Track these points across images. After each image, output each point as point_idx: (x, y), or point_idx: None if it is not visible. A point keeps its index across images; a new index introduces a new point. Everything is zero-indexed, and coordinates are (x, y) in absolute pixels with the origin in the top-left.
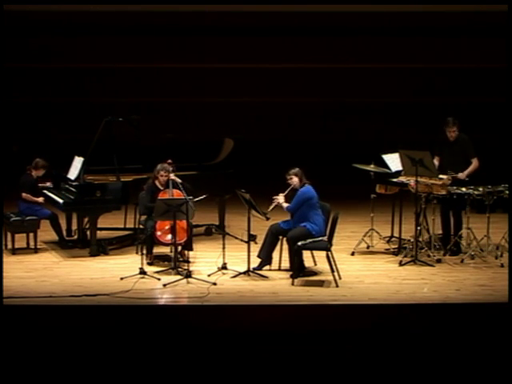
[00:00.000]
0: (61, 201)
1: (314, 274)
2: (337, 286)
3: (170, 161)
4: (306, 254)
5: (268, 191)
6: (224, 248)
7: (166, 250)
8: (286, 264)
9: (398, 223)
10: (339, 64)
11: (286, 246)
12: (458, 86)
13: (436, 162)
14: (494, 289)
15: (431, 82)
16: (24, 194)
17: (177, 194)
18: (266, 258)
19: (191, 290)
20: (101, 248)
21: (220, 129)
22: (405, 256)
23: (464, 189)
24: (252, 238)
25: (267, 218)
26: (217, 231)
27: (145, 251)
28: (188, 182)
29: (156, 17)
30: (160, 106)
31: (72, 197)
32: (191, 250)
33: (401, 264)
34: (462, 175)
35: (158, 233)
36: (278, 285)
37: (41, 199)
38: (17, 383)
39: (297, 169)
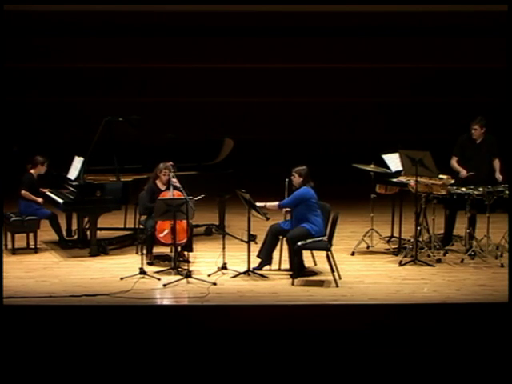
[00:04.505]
0: (61, 201)
1: (314, 274)
2: (337, 286)
3: (171, 163)
4: (306, 254)
5: (268, 191)
6: (224, 248)
7: (166, 249)
8: (286, 264)
9: (398, 223)
10: (339, 64)
11: (285, 246)
12: (458, 86)
13: (454, 162)
14: (494, 289)
15: (431, 82)
16: (23, 192)
17: (177, 194)
18: (265, 257)
19: (191, 289)
20: (101, 248)
21: (220, 129)
22: (405, 256)
23: (464, 189)
24: (252, 237)
25: (267, 218)
26: (217, 231)
27: (145, 251)
28: (188, 182)
29: (156, 17)
30: (160, 106)
31: (72, 197)
32: (191, 251)
33: (401, 264)
34: (500, 176)
35: (160, 234)
36: (277, 285)
37: (40, 200)
38: (17, 383)
39: (304, 168)
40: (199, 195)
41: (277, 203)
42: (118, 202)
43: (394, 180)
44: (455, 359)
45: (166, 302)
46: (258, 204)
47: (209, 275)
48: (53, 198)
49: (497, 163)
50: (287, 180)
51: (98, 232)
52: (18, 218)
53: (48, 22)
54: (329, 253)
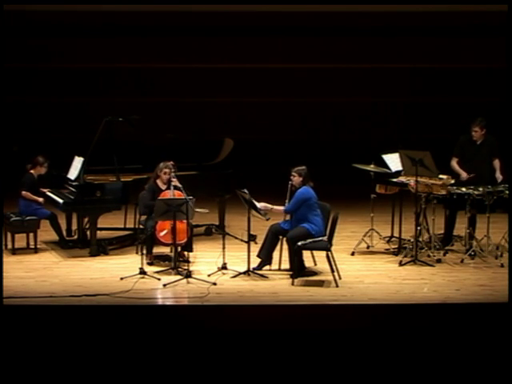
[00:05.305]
0: (61, 201)
1: (314, 273)
2: (337, 286)
3: (172, 162)
4: (306, 254)
5: (268, 191)
6: (224, 248)
7: (166, 249)
8: (286, 264)
9: (398, 223)
10: (339, 64)
11: (285, 246)
12: (458, 86)
13: (454, 163)
14: (494, 289)
15: (431, 82)
16: (24, 192)
17: (178, 194)
18: (266, 257)
19: (191, 289)
20: (101, 248)
21: (220, 129)
22: (405, 256)
23: (464, 189)
24: (252, 237)
25: (267, 218)
26: (217, 231)
27: (145, 251)
28: (188, 182)
29: (156, 17)
30: (160, 106)
31: (72, 197)
32: (191, 251)
33: (401, 264)
34: (500, 176)
35: (161, 233)
36: (278, 285)
37: (41, 199)
38: (17, 383)
39: (303, 168)
40: (202, 206)
41: (282, 208)
42: (118, 202)
43: (394, 180)
44: (455, 359)
45: (166, 302)
46: (264, 205)
47: (209, 275)
48: (53, 198)
49: (497, 163)
50: (290, 183)
51: (98, 232)
52: (18, 218)
53: (47, 22)
54: (329, 253)
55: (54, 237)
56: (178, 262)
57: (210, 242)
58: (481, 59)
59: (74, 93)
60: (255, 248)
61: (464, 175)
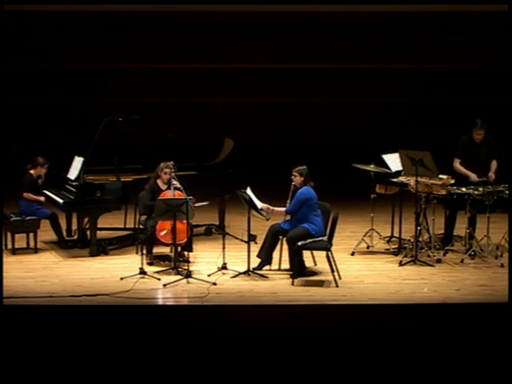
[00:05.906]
0: (61, 201)
1: (314, 274)
2: (337, 286)
3: (172, 162)
4: (306, 254)
5: (268, 191)
6: (224, 248)
7: (166, 249)
8: (286, 264)
9: (398, 223)
10: (339, 64)
11: (285, 246)
12: (458, 86)
13: (458, 165)
14: (493, 289)
15: (431, 82)
16: (25, 194)
17: (178, 194)
18: (266, 258)
19: (191, 289)
20: (101, 248)
21: (220, 129)
22: (405, 256)
23: (464, 189)
24: (252, 238)
25: (267, 218)
26: (217, 231)
27: (145, 251)
28: (188, 182)
29: (156, 17)
30: (160, 106)
31: (72, 197)
32: (191, 251)
33: (401, 264)
34: (492, 176)
35: (161, 233)
36: (277, 285)
37: (42, 198)
38: (17, 383)
39: (304, 167)
40: (201, 200)
41: (283, 209)
42: (118, 202)
43: (394, 180)
44: (455, 359)
45: (166, 302)
46: (266, 206)
47: (209, 275)
48: (53, 198)
49: (494, 164)
50: (293, 184)
51: (98, 232)
52: (18, 218)
53: (48, 22)
54: (329, 253)
55: (54, 237)
56: (177, 262)
57: (210, 241)
58: (481, 59)
59: (74, 93)
60: (255, 248)
61: (474, 176)
